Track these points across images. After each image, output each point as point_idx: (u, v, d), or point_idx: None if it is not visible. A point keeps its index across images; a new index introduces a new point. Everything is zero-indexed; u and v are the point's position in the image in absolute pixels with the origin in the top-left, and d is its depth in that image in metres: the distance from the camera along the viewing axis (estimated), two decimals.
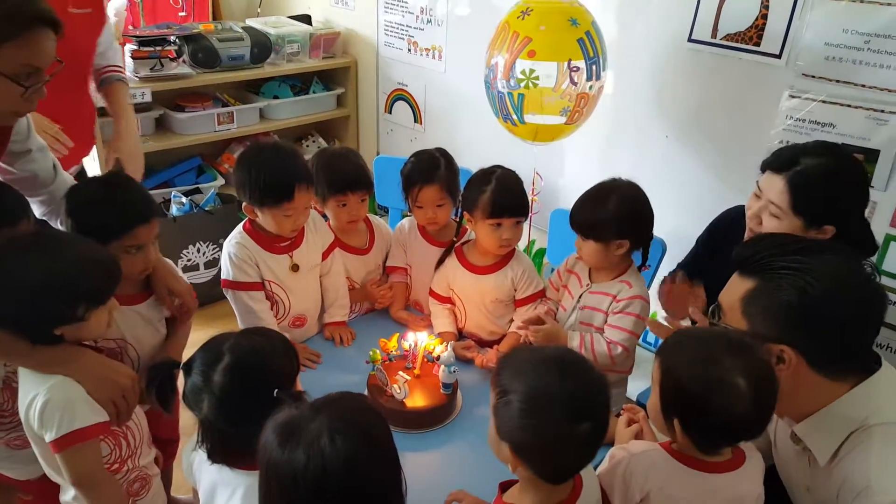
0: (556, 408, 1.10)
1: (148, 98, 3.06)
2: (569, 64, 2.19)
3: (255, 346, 1.33)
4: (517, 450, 1.14)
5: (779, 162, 1.62)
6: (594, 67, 2.22)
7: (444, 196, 2.12)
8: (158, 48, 3.06)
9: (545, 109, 2.29)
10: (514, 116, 2.36)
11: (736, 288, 1.34)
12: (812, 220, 1.57)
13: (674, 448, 1.28)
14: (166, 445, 1.91)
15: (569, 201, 1.91)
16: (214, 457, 1.32)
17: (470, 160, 3.01)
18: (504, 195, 1.93)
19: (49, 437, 1.39)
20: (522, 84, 2.28)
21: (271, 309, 2.03)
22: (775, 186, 1.61)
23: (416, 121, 3.48)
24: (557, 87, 2.23)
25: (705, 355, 1.20)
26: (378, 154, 3.68)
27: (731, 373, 1.16)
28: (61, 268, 1.40)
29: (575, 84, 2.21)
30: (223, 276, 2.00)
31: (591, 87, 2.23)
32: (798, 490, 1.44)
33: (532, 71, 2.24)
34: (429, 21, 3.20)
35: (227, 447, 1.31)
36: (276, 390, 1.25)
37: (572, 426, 1.09)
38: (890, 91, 2.00)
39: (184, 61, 3.18)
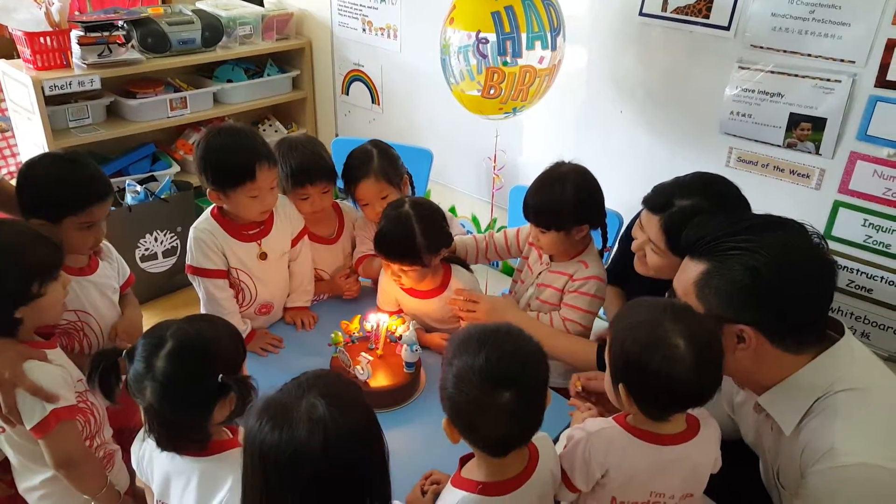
0: (473, 377, 1.13)
1: (97, 85, 2.97)
2: (476, 35, 2.14)
3: (199, 331, 1.31)
4: (451, 421, 1.20)
5: (655, 202, 1.64)
6: (508, 43, 2.14)
7: (384, 187, 2.09)
8: (106, 34, 2.99)
9: (459, 79, 2.28)
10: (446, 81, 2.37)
11: (688, 272, 1.35)
12: (690, 249, 1.51)
13: (629, 422, 1.30)
14: (131, 435, 1.90)
15: (528, 178, 1.91)
16: (163, 444, 1.31)
17: (430, 140, 3.03)
18: (379, 241, 1.87)
19: (30, 423, 1.40)
20: (444, 50, 2.27)
21: (237, 296, 2.01)
22: (653, 226, 1.64)
23: (373, 102, 3.45)
24: (459, 56, 2.20)
25: (647, 318, 1.23)
26: (336, 136, 3.65)
27: (671, 334, 1.18)
28: (6, 247, 1.40)
29: (484, 57, 2.15)
30: (188, 262, 1.97)
31: (505, 63, 2.16)
32: (762, 452, 1.48)
33: (449, 38, 2.23)
34: (382, 0, 3.17)
35: (173, 434, 1.30)
36: (220, 375, 1.25)
37: (491, 394, 1.12)
38: (835, 60, 2.05)
39: (133, 46, 3.10)
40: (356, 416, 1.06)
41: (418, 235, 1.82)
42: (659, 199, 1.63)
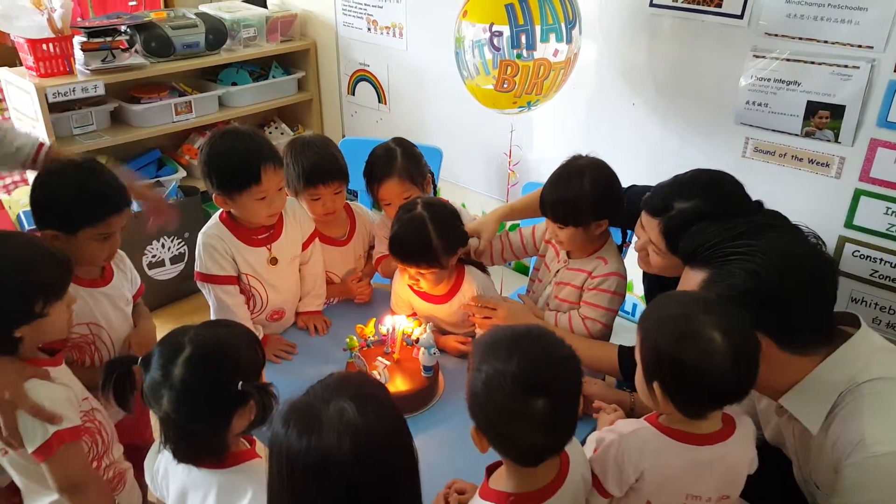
0: (505, 385, 1.07)
1: (101, 91, 2.95)
2: (490, 28, 2.11)
3: (218, 336, 1.26)
4: (480, 429, 1.14)
5: (654, 205, 1.61)
6: (522, 36, 2.10)
7: (407, 187, 2.04)
8: (109, 39, 2.96)
9: (473, 73, 2.24)
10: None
11: (690, 282, 1.34)
12: (689, 259, 1.46)
13: (662, 423, 1.26)
14: (142, 451, 1.86)
15: (540, 174, 1.88)
16: (180, 456, 1.26)
17: (439, 138, 3.00)
18: (394, 246, 1.82)
19: (31, 446, 1.35)
20: (457, 44, 2.24)
21: (248, 303, 1.97)
22: (653, 228, 1.61)
23: (380, 101, 3.42)
24: (473, 49, 2.18)
25: (679, 312, 1.20)
26: (343, 136, 3.62)
27: (705, 327, 1.15)
28: (10, 262, 1.35)
29: (497, 50, 2.12)
30: (197, 268, 1.92)
31: (519, 56, 2.12)
32: (791, 453, 1.45)
33: (463, 32, 2.20)
34: None
35: (191, 445, 1.25)
36: (240, 382, 1.21)
37: (524, 402, 1.07)
38: (853, 46, 2.01)
39: (136, 51, 3.08)
40: (386, 419, 1.02)
41: (434, 237, 1.77)
42: (657, 202, 1.60)
